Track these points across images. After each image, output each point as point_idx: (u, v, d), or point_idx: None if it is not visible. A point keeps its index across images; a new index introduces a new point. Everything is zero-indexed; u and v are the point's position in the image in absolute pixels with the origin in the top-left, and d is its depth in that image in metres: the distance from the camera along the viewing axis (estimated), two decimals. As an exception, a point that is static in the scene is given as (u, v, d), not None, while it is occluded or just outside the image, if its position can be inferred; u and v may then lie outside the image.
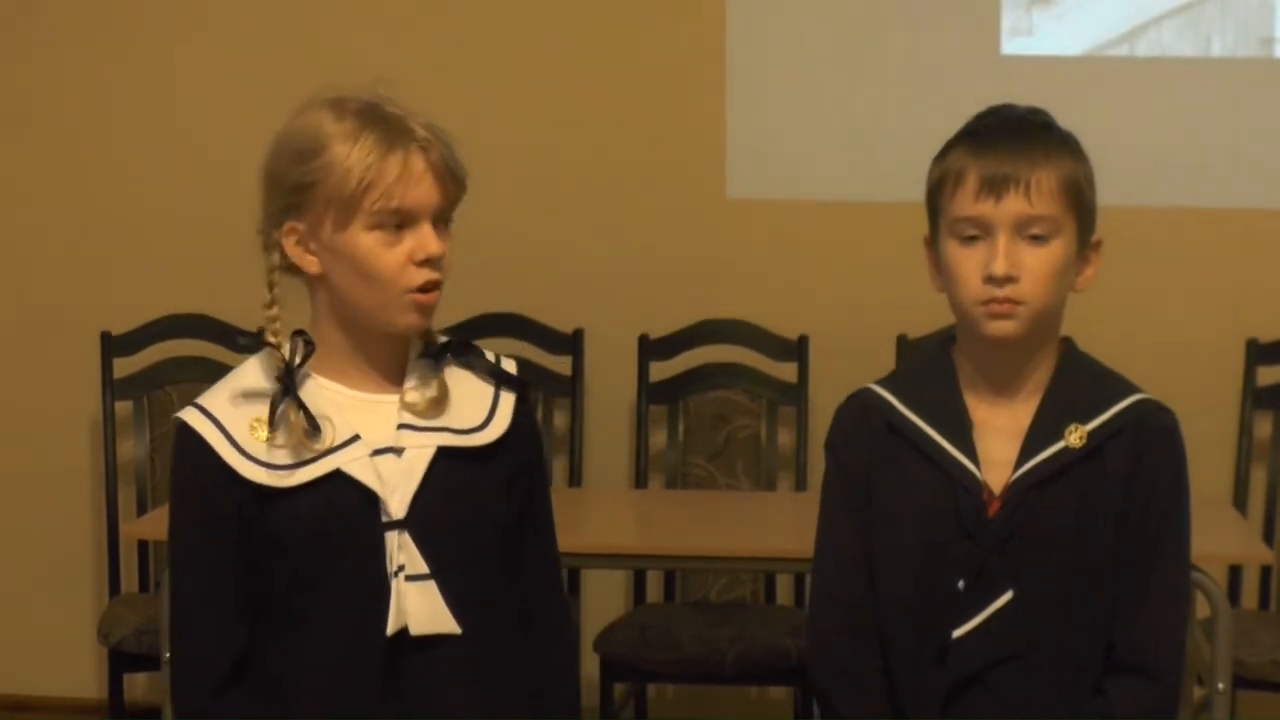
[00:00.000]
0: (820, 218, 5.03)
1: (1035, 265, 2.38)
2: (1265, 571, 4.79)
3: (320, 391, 2.37)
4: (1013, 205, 2.37)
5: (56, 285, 5.23)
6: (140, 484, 4.94)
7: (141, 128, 5.16)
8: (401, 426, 2.37)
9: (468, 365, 2.44)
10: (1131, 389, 2.49)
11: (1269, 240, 4.92)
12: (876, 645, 2.49)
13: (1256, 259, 4.93)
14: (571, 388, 4.99)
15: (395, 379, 2.40)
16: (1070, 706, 2.44)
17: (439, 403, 2.39)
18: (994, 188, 2.38)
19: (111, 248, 5.19)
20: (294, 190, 2.32)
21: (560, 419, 5.02)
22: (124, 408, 5.01)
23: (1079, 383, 2.48)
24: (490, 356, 2.48)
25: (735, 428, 4.96)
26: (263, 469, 2.33)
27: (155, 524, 4.30)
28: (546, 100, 5.09)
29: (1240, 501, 4.79)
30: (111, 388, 5.02)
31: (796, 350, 4.94)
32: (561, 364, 5.00)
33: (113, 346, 5.02)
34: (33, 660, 5.26)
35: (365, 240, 2.31)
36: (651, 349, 4.99)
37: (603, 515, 4.65)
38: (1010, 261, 2.37)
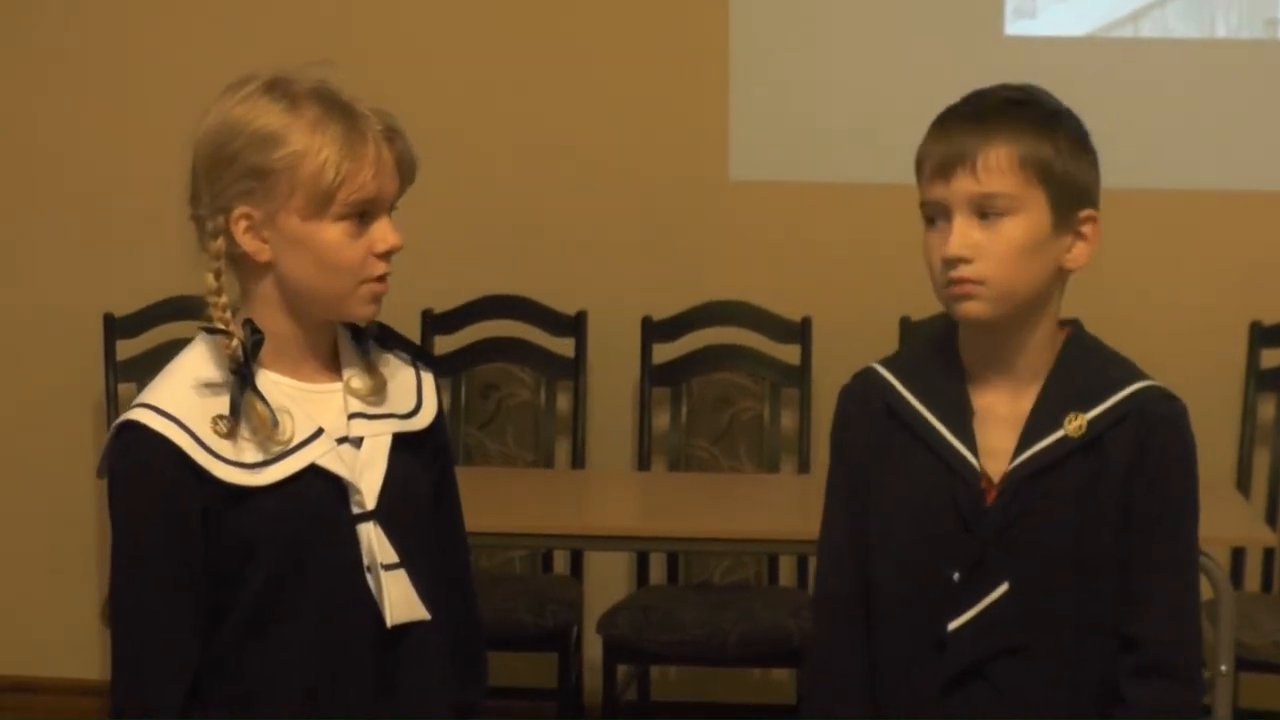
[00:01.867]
0: (823, 199, 5.02)
1: (992, 243, 2.33)
2: (1268, 554, 4.79)
3: (271, 383, 2.31)
4: (962, 185, 2.33)
5: (59, 267, 5.22)
6: (143, 466, 4.93)
7: (143, 109, 5.15)
8: (354, 415, 2.34)
9: (387, 348, 2.42)
10: (1137, 375, 2.43)
11: (1273, 222, 4.91)
12: (861, 638, 2.44)
13: (1260, 241, 4.92)
14: (574, 370, 4.99)
15: (333, 367, 2.36)
16: (1073, 701, 2.39)
17: (379, 389, 2.37)
18: (944, 169, 2.34)
19: (114, 229, 5.18)
20: (250, 175, 2.26)
21: (563, 401, 5.02)
22: (127, 390, 4.99)
23: (1083, 369, 2.42)
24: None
25: (738, 410, 4.96)
26: (235, 468, 2.26)
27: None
28: (549, 82, 5.08)
29: (1243, 484, 4.79)
30: (114, 370, 5.01)
31: (799, 332, 4.94)
32: (564, 346, 5.00)
33: (116, 328, 5.02)
34: (35, 642, 5.26)
35: (332, 231, 2.27)
36: (654, 331, 4.98)
37: (606, 498, 4.66)
38: (962, 242, 2.32)
